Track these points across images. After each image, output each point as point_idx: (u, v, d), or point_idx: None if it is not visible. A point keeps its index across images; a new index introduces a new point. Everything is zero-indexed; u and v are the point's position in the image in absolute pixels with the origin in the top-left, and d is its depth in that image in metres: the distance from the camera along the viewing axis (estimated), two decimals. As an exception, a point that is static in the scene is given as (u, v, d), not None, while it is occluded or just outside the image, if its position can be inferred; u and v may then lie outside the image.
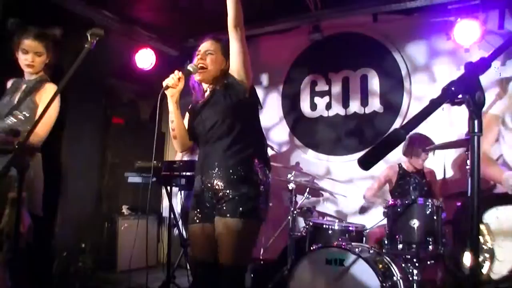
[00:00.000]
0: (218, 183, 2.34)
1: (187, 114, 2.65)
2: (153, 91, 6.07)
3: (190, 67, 2.46)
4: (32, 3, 4.34)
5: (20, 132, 2.67)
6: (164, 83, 2.40)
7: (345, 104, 5.56)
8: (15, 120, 2.82)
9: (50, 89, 2.91)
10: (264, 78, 6.09)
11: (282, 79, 5.92)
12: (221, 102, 2.42)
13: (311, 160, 5.58)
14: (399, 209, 3.63)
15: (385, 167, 4.54)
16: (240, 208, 2.24)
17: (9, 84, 3.04)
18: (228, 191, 2.30)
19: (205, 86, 2.59)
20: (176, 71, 2.43)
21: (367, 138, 5.35)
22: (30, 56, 2.91)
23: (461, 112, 1.15)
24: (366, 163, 1.09)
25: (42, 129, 2.78)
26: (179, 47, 6.17)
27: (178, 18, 5.35)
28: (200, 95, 2.60)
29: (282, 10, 5.28)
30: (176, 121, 2.51)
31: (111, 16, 5.23)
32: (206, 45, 2.55)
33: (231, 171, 2.32)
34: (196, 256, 2.44)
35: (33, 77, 2.98)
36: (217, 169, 2.36)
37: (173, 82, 2.40)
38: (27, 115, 2.84)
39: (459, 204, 3.44)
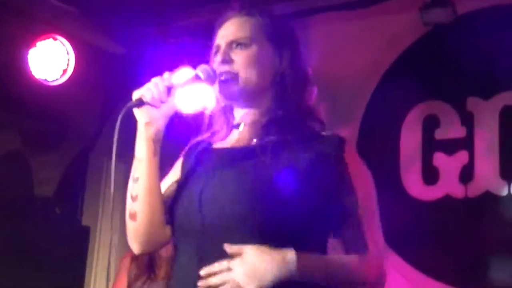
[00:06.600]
0: None
1: (170, 175, 1.36)
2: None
3: (201, 70, 1.20)
4: None
5: None
6: (136, 95, 1.16)
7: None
8: None
9: None
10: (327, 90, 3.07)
11: (366, 97, 3.01)
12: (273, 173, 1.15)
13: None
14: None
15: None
16: None
17: None
18: None
19: (238, 116, 1.31)
20: (165, 74, 1.18)
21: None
22: None
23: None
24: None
25: None
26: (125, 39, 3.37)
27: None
28: (224, 136, 1.34)
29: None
30: (147, 181, 1.23)
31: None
32: (229, 29, 1.29)
33: None
34: None
35: None
36: None
37: (154, 94, 1.15)
38: None
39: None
